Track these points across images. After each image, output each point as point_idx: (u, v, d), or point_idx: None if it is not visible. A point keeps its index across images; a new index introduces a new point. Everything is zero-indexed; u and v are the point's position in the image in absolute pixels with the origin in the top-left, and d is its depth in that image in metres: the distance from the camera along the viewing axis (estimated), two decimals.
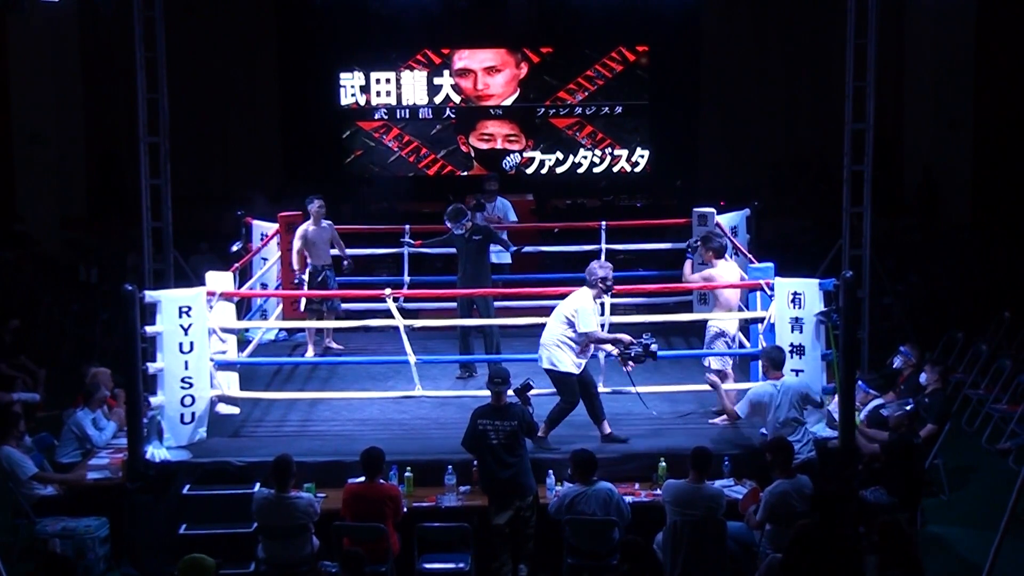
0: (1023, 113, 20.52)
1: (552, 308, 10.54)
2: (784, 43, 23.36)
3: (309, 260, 12.99)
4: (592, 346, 10.52)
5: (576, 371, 10.39)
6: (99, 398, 11.30)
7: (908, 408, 11.00)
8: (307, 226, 13.02)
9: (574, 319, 10.28)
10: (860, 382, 11.92)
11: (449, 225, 12.56)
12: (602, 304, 10.94)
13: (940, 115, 21.81)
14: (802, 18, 22.89)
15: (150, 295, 10.50)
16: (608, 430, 10.52)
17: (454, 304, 12.89)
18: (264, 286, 13.66)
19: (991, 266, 18.27)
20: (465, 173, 23.73)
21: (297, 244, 13.01)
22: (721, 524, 9.06)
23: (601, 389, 10.74)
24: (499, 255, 13.94)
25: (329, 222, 13.26)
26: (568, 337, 10.31)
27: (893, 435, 10.62)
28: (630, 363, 10.39)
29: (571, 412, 10.46)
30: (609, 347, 10.63)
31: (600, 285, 10.41)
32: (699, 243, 11.82)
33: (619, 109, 23.89)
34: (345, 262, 13.35)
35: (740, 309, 11.67)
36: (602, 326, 10.82)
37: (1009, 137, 20.69)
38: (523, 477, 9.59)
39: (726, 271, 11.46)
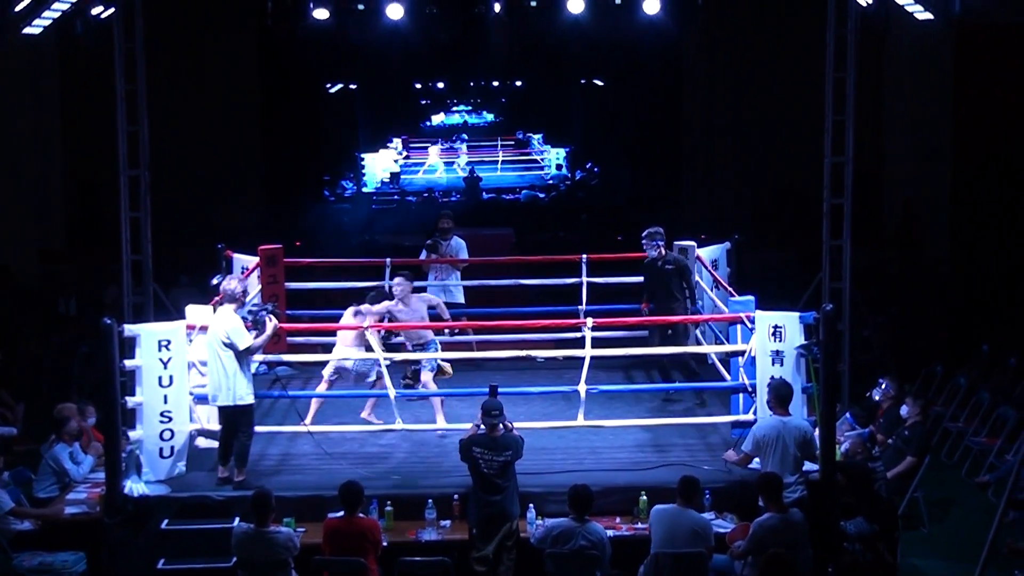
0: (1001, 146, 20.61)
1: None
2: (764, 77, 23.47)
3: None
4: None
5: (253, 400, 10.43)
6: (69, 431, 11.20)
7: (864, 434, 11.09)
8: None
9: (231, 340, 10.24)
10: (848, 415, 11.97)
11: (644, 244, 12.46)
12: (583, 339, 10.95)
13: (919, 148, 21.92)
14: (782, 52, 23.02)
15: (129, 329, 10.48)
16: (227, 474, 10.42)
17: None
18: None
19: (969, 299, 18.33)
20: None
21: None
22: (702, 558, 9.03)
23: (580, 422, 10.72)
24: (455, 289, 13.94)
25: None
26: (238, 363, 10.25)
27: (849, 460, 10.69)
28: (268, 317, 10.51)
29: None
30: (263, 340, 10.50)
31: (241, 298, 10.57)
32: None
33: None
34: None
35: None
36: (581, 360, 10.81)
37: (987, 170, 20.79)
38: (508, 503, 9.61)
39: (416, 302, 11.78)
